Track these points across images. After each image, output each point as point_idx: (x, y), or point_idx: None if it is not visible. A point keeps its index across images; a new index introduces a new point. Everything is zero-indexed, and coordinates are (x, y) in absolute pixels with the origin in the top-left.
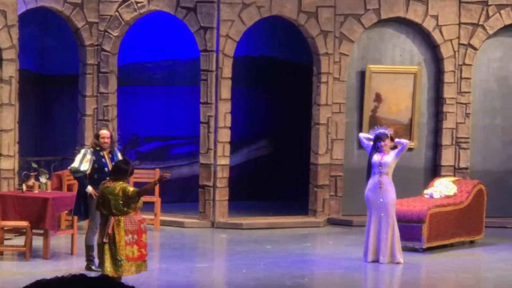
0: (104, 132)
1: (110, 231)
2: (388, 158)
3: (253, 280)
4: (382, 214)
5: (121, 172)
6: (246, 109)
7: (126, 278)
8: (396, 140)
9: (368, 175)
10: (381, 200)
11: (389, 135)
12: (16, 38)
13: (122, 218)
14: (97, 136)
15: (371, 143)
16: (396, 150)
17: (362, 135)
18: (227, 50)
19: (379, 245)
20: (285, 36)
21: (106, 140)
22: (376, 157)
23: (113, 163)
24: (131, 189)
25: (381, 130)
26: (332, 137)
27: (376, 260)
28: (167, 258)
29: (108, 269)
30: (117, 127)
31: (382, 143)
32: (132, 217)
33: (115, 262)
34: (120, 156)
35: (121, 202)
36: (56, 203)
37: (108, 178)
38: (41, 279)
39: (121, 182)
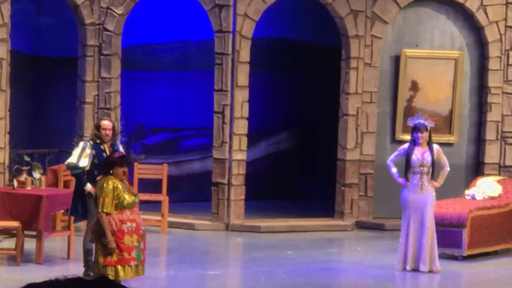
0: (105, 123)
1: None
2: (429, 157)
3: None
4: (421, 217)
5: (105, 165)
6: (265, 97)
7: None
8: (435, 147)
9: (405, 173)
10: (421, 201)
11: (428, 128)
12: (8, 16)
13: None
14: (97, 127)
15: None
16: (443, 159)
17: (390, 162)
18: (245, 31)
19: (420, 252)
20: (310, 16)
21: (107, 132)
22: (416, 155)
23: None
24: (105, 202)
25: (421, 121)
26: (362, 129)
27: (415, 269)
28: (176, 264)
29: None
30: (121, 116)
31: (420, 135)
32: (113, 216)
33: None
34: (121, 150)
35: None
36: (51, 201)
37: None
38: (32, 283)
39: (110, 178)
